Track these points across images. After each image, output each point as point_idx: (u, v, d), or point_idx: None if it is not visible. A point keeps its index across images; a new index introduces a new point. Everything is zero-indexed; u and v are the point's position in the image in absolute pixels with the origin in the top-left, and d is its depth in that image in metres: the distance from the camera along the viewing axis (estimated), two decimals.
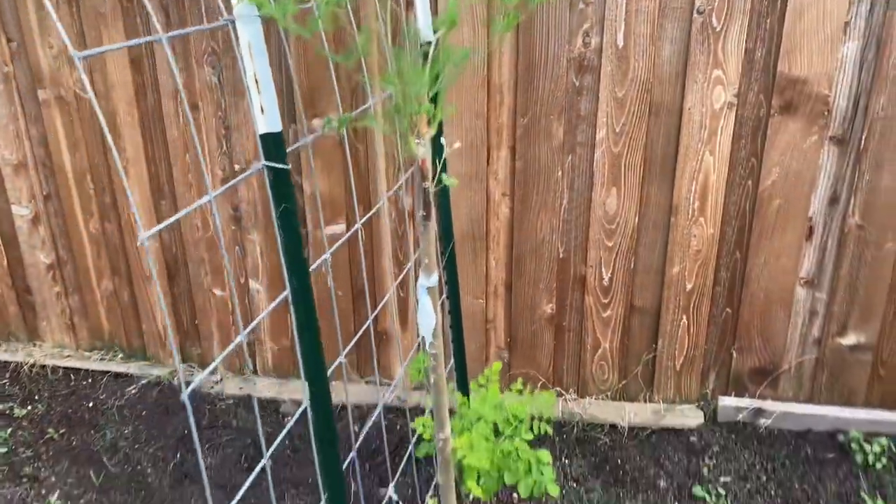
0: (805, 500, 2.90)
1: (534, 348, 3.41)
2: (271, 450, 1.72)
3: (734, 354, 3.28)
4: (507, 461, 2.01)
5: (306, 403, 1.77)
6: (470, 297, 3.36)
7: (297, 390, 3.67)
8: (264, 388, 3.73)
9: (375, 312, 2.21)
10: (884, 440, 3.04)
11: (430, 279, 1.64)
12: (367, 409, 3.52)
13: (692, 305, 3.20)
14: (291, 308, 1.66)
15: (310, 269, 1.63)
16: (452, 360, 2.98)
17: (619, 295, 3.25)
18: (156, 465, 3.27)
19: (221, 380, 3.81)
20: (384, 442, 2.35)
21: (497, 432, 2.09)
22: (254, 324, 3.64)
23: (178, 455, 3.30)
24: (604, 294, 3.25)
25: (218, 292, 3.67)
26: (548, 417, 2.13)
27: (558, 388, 3.47)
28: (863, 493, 2.88)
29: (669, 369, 3.35)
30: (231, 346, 1.51)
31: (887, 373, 3.16)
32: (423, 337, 1.70)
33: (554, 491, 1.97)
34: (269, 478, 1.70)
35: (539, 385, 3.47)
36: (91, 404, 3.69)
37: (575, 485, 3.04)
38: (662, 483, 3.03)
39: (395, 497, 2.33)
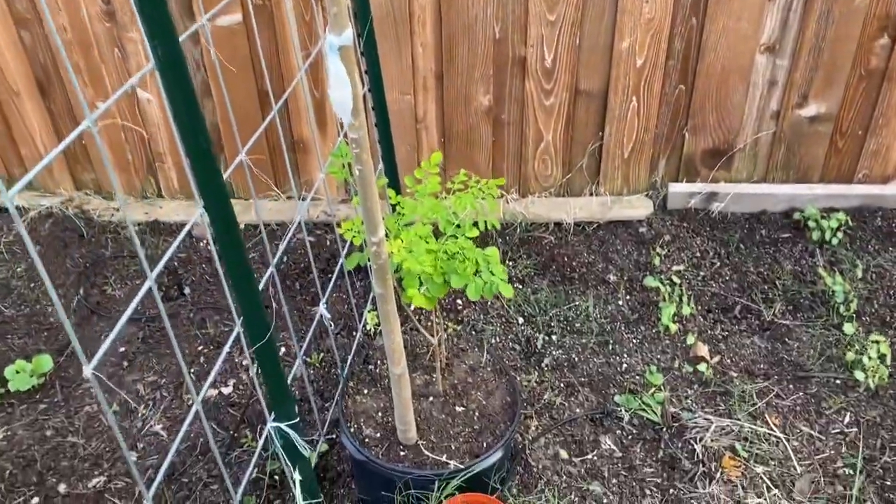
0: (761, 282, 2.77)
1: (471, 147, 3.08)
2: (154, 265, 1.38)
3: (686, 136, 3.02)
4: (452, 263, 1.72)
5: (199, 212, 1.41)
6: (396, 93, 2.95)
7: None
8: (172, 211, 3.33)
9: (278, 105, 1.80)
10: (841, 215, 2.89)
11: (342, 36, 1.24)
12: (288, 228, 3.19)
13: (643, 84, 2.88)
14: (167, 102, 1.25)
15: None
16: (381, 165, 2.63)
17: (563, 78, 2.89)
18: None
19: (120, 207, 3.38)
20: (310, 257, 2.04)
21: (438, 233, 1.79)
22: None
23: (82, 290, 2.94)
24: (546, 78, 2.89)
25: (102, 104, 3.15)
26: (493, 211, 1.83)
27: (499, 189, 3.17)
28: (820, 270, 2.76)
29: (617, 158, 3.08)
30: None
31: (846, 144, 2.97)
32: (338, 118, 1.33)
33: (508, 292, 1.71)
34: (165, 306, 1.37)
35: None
36: None
37: (521, 286, 2.84)
38: (612, 277, 2.85)
39: (326, 315, 2.05)
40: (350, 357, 2.45)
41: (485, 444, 1.94)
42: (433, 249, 1.65)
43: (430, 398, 2.07)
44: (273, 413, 1.75)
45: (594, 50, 2.82)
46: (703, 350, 2.47)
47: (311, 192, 3.28)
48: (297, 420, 1.77)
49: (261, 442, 1.75)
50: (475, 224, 1.83)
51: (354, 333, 2.69)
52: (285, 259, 3.03)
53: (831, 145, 2.97)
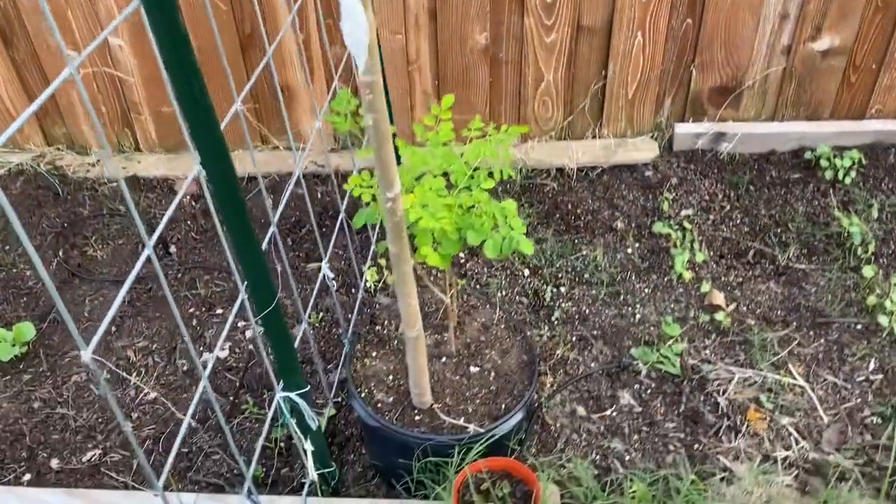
0: (773, 225, 2.67)
1: (467, 89, 2.92)
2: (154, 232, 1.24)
3: (693, 73, 2.88)
4: (468, 218, 1.59)
5: (197, 168, 1.26)
6: (386, 32, 2.77)
7: (191, 166, 3.11)
8: (151, 165, 3.15)
9: (272, 49, 1.64)
10: (854, 153, 2.79)
11: None
12: (279, 181, 3.03)
13: (649, 18, 2.72)
14: (156, 46, 1.09)
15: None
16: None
17: (564, 13, 2.72)
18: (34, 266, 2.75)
19: (99, 161, 3.20)
20: (311, 214, 1.90)
21: (448, 185, 1.66)
22: None
23: (61, 252, 2.78)
24: (547, 14, 2.72)
25: (72, 53, 2.94)
26: (508, 159, 1.69)
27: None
28: (835, 211, 2.67)
29: (621, 98, 2.93)
30: None
31: (859, 79, 2.84)
32: (352, 57, 1.18)
33: (528, 248, 1.59)
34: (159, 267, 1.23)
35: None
36: None
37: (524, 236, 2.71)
38: (620, 224, 2.73)
39: (329, 274, 1.92)
40: (353, 317, 2.33)
41: (503, 406, 1.84)
42: (450, 204, 1.52)
43: (443, 359, 1.96)
44: (281, 382, 1.63)
45: None
46: (718, 298, 2.38)
47: (303, 143, 3.11)
48: (307, 389, 1.66)
49: (270, 413, 1.64)
50: (490, 174, 1.70)
51: (354, 291, 2.57)
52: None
53: (844, 80, 2.85)
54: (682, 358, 2.17)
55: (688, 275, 2.45)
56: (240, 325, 2.49)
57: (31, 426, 2.20)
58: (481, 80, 2.90)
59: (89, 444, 2.14)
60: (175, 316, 1.26)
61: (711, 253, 2.57)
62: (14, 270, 2.74)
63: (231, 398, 2.24)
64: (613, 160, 2.96)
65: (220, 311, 2.53)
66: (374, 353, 1.98)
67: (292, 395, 1.64)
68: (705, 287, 2.42)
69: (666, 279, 2.50)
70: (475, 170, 1.70)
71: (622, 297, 2.45)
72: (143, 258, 1.15)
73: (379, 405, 1.85)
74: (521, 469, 1.73)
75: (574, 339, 2.32)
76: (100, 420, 2.21)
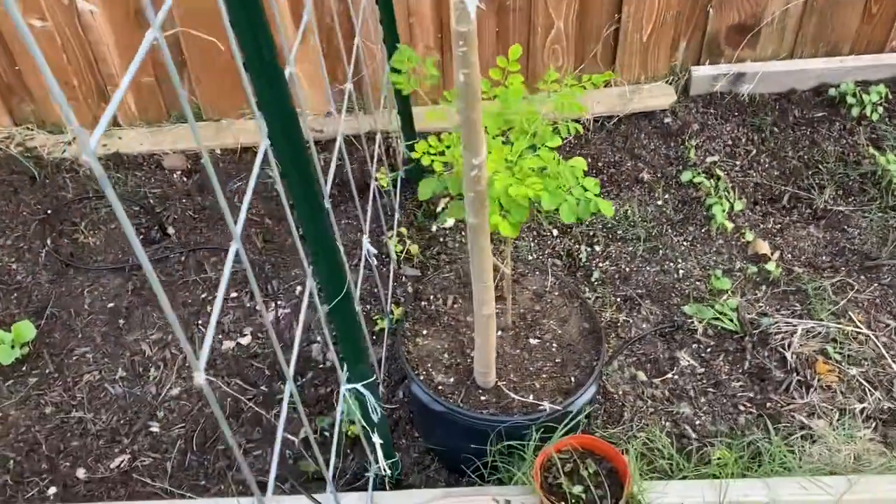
0: (803, 167, 2.58)
1: None
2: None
3: (710, 12, 2.74)
4: (541, 180, 1.45)
5: (265, 143, 1.09)
6: None
7: (178, 138, 2.89)
8: (134, 140, 2.91)
9: None
10: (881, 87, 2.70)
11: None
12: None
13: None
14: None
15: None
16: (387, 67, 2.28)
17: None
18: (21, 258, 2.52)
19: (75, 139, 2.94)
20: (352, 185, 1.72)
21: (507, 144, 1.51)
22: None
23: (49, 241, 2.55)
24: None
25: (37, 23, 2.67)
26: (584, 111, 1.55)
27: (503, 86, 2.86)
28: (867, 149, 2.58)
29: (635, 43, 2.79)
30: None
31: (880, 9, 2.74)
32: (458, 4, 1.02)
33: (608, 209, 1.45)
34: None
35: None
36: None
37: None
38: (646, 175, 2.61)
39: (372, 250, 1.77)
40: (388, 292, 2.18)
41: (572, 379, 1.72)
42: (537, 167, 1.37)
43: (499, 332, 1.82)
44: (346, 372, 1.48)
45: None
46: (763, 247, 2.28)
47: (299, 108, 2.91)
48: (374, 378, 1.51)
49: (339, 407, 1.49)
50: (555, 130, 1.56)
51: (385, 261, 2.41)
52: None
53: (865, 12, 2.75)
54: (739, 313, 2.08)
55: (729, 225, 2.35)
56: (257, 307, 2.31)
57: (45, 434, 2.02)
58: (487, 30, 2.72)
59: (115, 449, 1.97)
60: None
61: (745, 200, 2.47)
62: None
63: (263, 387, 2.08)
64: (630, 108, 2.82)
65: (234, 293, 2.36)
66: (424, 332, 1.84)
67: (359, 385, 1.50)
68: (749, 236, 2.32)
69: (703, 230, 2.40)
70: (534, 127, 1.55)
71: (661, 252, 2.34)
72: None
73: (440, 388, 1.72)
74: (602, 446, 1.62)
75: (619, 299, 2.21)
76: (122, 422, 2.04)
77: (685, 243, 2.37)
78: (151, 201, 2.70)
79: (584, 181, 1.51)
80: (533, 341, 1.81)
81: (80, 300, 2.37)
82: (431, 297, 1.91)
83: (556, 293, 1.91)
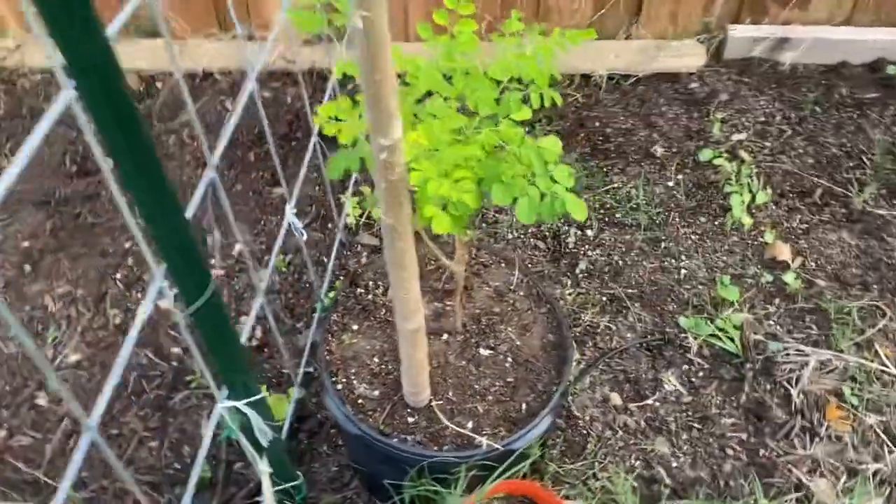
0: (845, 157, 2.18)
1: None
2: None
3: None
4: (494, 164, 1.10)
5: (70, 94, 0.75)
6: None
7: (133, 55, 2.54)
8: None
9: None
10: None
11: None
12: (238, 78, 2.47)
13: None
14: None
15: None
16: None
17: None
18: None
19: (19, 47, 2.60)
20: (266, 131, 1.37)
21: (465, 111, 1.15)
22: None
23: None
24: None
25: None
26: (545, 74, 1.18)
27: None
28: None
29: None
30: None
31: None
32: None
33: (579, 212, 1.10)
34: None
35: (484, 25, 2.45)
36: None
37: None
38: (659, 149, 2.23)
39: (297, 224, 1.43)
40: (330, 263, 1.85)
41: (524, 407, 1.40)
42: (471, 156, 1.02)
43: (445, 336, 1.50)
44: (225, 389, 1.17)
45: None
46: (784, 251, 1.92)
47: (269, 32, 2.53)
48: (260, 396, 1.20)
49: (210, 424, 1.18)
50: (525, 100, 1.20)
51: (331, 227, 2.07)
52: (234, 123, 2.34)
53: None
54: (743, 332, 1.73)
55: (747, 220, 1.98)
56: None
57: None
58: None
59: None
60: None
61: (771, 191, 2.09)
62: None
63: (174, 363, 1.79)
64: (652, 67, 2.42)
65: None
66: (354, 326, 1.51)
67: (239, 404, 1.18)
68: (768, 236, 1.96)
69: (717, 223, 2.03)
70: (502, 92, 1.19)
71: (664, 245, 1.98)
72: None
73: (361, 402, 1.40)
74: (547, 497, 1.30)
75: (604, 299, 1.87)
76: (8, 388, 1.76)
77: (693, 237, 2.01)
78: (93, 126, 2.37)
79: (556, 170, 1.16)
80: (484, 352, 1.48)
81: None
82: (370, 283, 1.58)
83: (522, 293, 1.57)
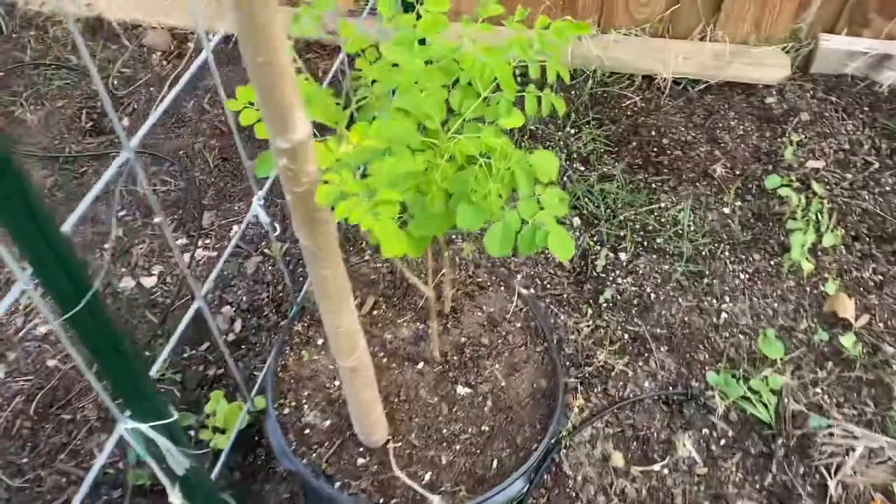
0: None
1: None
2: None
3: None
4: (465, 178, 0.88)
5: None
6: None
7: (169, 11, 2.40)
8: (121, 6, 2.45)
9: None
10: None
11: None
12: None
13: None
14: None
15: None
16: None
17: None
18: None
19: None
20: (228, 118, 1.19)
21: (449, 111, 0.94)
22: None
23: None
24: None
25: None
26: (554, 65, 0.95)
27: (569, 17, 2.22)
28: None
29: None
30: None
31: None
32: None
33: (564, 251, 0.88)
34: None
35: (541, 11, 2.21)
36: None
37: (583, 167, 1.97)
38: (720, 169, 1.96)
39: (265, 218, 1.25)
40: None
41: (494, 463, 1.19)
42: (414, 171, 0.81)
43: (420, 364, 1.30)
44: (127, 410, 1.00)
45: None
46: (847, 306, 1.63)
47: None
48: (171, 420, 1.02)
49: (106, 448, 1.02)
50: (518, 77, 0.97)
51: None
52: None
53: None
54: (781, 399, 1.46)
55: (807, 265, 1.70)
56: (180, 241, 1.86)
57: None
58: None
59: None
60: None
61: (843, 233, 1.79)
62: None
63: (144, 347, 1.64)
64: (725, 74, 2.13)
65: (158, 219, 1.90)
66: (320, 341, 1.33)
67: (144, 427, 1.01)
68: (830, 287, 1.67)
69: (773, 262, 1.75)
70: (494, 88, 0.97)
71: (706, 282, 1.72)
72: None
73: (307, 432, 1.22)
74: None
75: (626, 337, 1.62)
76: None
77: (742, 276, 1.74)
78: (115, 82, 2.25)
79: (545, 193, 0.94)
80: (461, 389, 1.27)
81: None
82: None
83: (519, 324, 1.35)
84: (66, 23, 2.40)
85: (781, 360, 1.54)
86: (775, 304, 1.67)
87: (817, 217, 1.80)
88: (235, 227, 1.88)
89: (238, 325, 1.69)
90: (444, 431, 1.22)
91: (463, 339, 1.33)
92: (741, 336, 1.62)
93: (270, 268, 1.80)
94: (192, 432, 1.49)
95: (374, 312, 1.36)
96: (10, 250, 0.77)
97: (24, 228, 0.76)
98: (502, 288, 1.40)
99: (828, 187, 1.89)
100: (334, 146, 0.76)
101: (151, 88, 2.23)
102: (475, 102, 0.96)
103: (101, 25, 2.40)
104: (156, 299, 1.74)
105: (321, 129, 0.90)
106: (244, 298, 1.74)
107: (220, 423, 1.42)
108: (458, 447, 1.21)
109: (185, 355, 1.63)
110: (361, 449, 1.20)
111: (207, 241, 1.86)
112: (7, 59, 2.30)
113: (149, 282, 1.78)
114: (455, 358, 1.30)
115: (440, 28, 0.83)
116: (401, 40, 0.82)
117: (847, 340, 1.56)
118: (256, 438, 1.49)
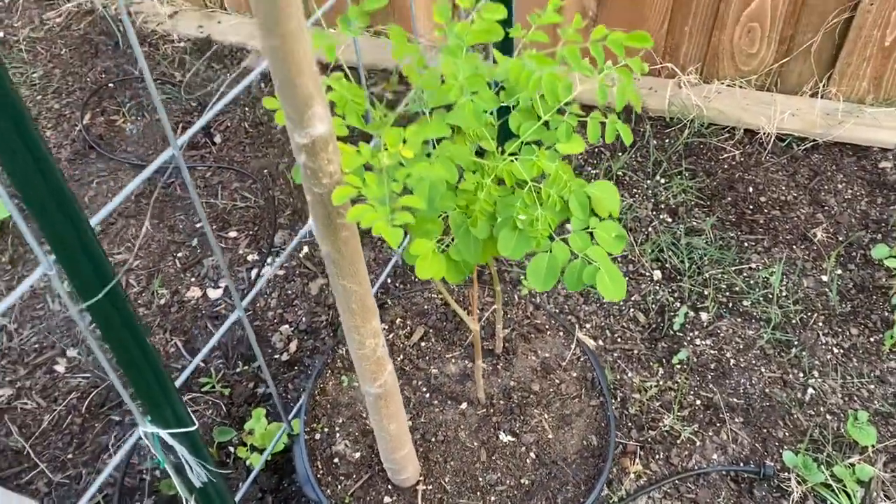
0: None
1: None
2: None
3: None
4: (511, 202, 0.82)
5: None
6: None
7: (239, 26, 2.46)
8: (230, 29, 2.54)
9: None
10: None
11: None
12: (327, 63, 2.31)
13: None
14: None
15: None
16: None
17: None
18: (59, 125, 2.25)
19: (176, 13, 2.62)
20: None
21: (504, 136, 0.88)
22: None
23: (89, 116, 2.26)
24: None
25: None
26: (625, 97, 0.88)
27: (670, 65, 2.13)
28: None
29: (872, 44, 1.93)
30: None
31: None
32: None
33: (615, 292, 0.80)
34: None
35: (640, 56, 2.12)
36: (0, 35, 2.61)
37: (670, 219, 1.86)
38: (821, 233, 1.81)
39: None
40: (375, 288, 1.62)
41: None
42: (438, 178, 0.75)
43: (463, 405, 1.22)
44: (147, 412, 0.97)
45: None
46: None
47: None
48: (191, 430, 0.98)
49: (122, 449, 0.99)
50: (582, 124, 0.91)
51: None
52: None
53: None
54: (868, 491, 1.30)
55: None
56: (249, 257, 1.86)
57: None
58: None
59: (7, 377, 1.62)
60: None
61: None
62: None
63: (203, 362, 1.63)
64: (835, 134, 1.98)
65: (233, 233, 1.91)
66: None
67: (163, 433, 0.98)
68: None
69: (873, 339, 1.58)
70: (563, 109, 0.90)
71: (794, 353, 1.57)
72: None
73: (335, 461, 1.16)
74: None
75: (698, 403, 1.49)
76: (35, 346, 1.68)
77: (836, 350, 1.57)
78: (212, 99, 2.31)
79: (599, 227, 0.86)
80: (504, 437, 1.19)
81: (84, 190, 2.05)
82: (398, 319, 1.33)
83: (575, 373, 1.26)
84: (179, 42, 2.50)
85: (873, 447, 1.37)
86: (871, 386, 1.50)
87: None
88: (306, 248, 1.87)
89: (294, 346, 1.66)
90: (480, 480, 1.14)
91: (512, 383, 1.24)
92: (829, 416, 1.46)
93: (328, 291, 1.77)
94: (230, 448, 1.46)
95: (423, 344, 1.29)
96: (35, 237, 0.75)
97: (49, 214, 0.75)
98: (561, 333, 1.31)
99: None
100: (365, 150, 0.71)
101: (245, 109, 2.28)
102: (535, 124, 0.89)
103: (208, 46, 2.49)
104: (219, 311, 1.74)
105: (368, 139, 0.86)
106: (303, 319, 1.71)
107: (258, 441, 1.38)
108: (492, 498, 1.12)
109: (238, 370, 1.61)
110: (390, 487, 1.13)
111: (277, 259, 1.85)
112: (118, 72, 2.41)
113: (214, 294, 1.79)
114: (501, 402, 1.22)
115: (493, 37, 0.77)
116: (451, 49, 0.77)
117: None
118: (293, 463, 1.44)
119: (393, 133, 0.73)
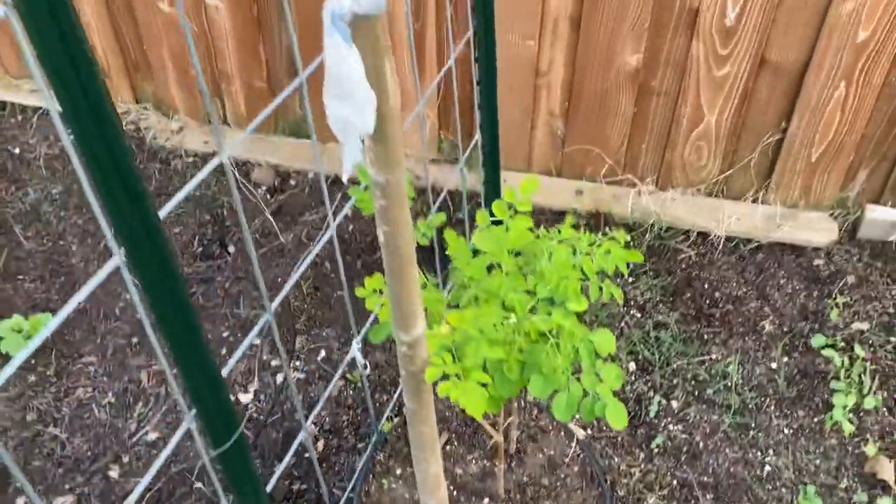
0: None
1: (603, 117, 2.35)
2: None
3: None
4: (537, 351, 1.08)
5: None
6: (514, 36, 2.25)
7: (275, 150, 2.74)
8: (235, 144, 2.79)
9: None
10: None
11: None
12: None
13: (860, 67, 2.05)
14: None
15: None
16: (477, 135, 1.96)
17: (745, 43, 2.09)
18: (84, 241, 2.46)
19: (182, 129, 2.88)
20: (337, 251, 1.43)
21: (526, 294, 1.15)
22: None
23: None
24: (723, 41, 2.10)
25: (164, 7, 2.61)
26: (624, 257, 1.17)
27: (630, 175, 2.46)
28: None
29: (801, 160, 2.28)
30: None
31: None
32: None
33: (619, 420, 1.06)
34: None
35: (603, 171, 2.45)
36: (16, 150, 2.83)
37: (639, 314, 2.15)
38: (768, 325, 2.11)
39: (360, 360, 1.47)
40: (396, 398, 1.87)
41: None
42: (494, 358, 1.01)
43: (486, 500, 1.47)
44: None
45: (800, 9, 2.01)
46: (886, 469, 1.74)
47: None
48: None
49: None
50: (584, 290, 1.18)
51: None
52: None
53: None
54: None
55: (848, 427, 1.82)
56: (272, 362, 2.09)
57: (16, 443, 1.90)
58: (623, 108, 2.32)
59: (66, 485, 1.82)
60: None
61: (885, 395, 1.92)
62: (61, 243, 2.46)
63: None
64: (775, 236, 2.31)
65: (257, 341, 2.14)
66: (398, 471, 1.51)
67: None
68: (871, 449, 1.78)
69: (816, 420, 1.88)
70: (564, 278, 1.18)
71: (751, 434, 1.86)
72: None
73: None
74: None
75: (675, 482, 1.76)
76: (89, 453, 1.88)
77: (787, 431, 1.87)
78: (224, 212, 2.56)
79: (604, 369, 1.13)
80: None
81: (114, 302, 2.26)
82: None
83: (577, 468, 1.52)
84: (188, 157, 2.75)
85: None
86: (817, 461, 1.79)
87: (860, 378, 1.93)
88: (323, 352, 2.11)
89: (321, 445, 1.89)
90: None
91: (525, 479, 1.49)
92: (783, 489, 1.74)
93: (351, 392, 2.01)
94: None
95: (447, 448, 1.54)
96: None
97: (120, 206, 0.86)
98: (562, 433, 1.57)
99: (871, 349, 2.03)
100: (438, 331, 0.98)
101: (256, 220, 2.53)
102: (548, 286, 1.17)
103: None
104: (251, 415, 1.96)
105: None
106: (327, 420, 1.94)
107: None
108: None
109: (275, 468, 1.83)
110: None
111: (297, 363, 2.09)
112: None
113: (245, 398, 2.01)
114: (518, 496, 1.47)
115: (525, 242, 1.05)
116: (492, 253, 1.05)
117: (885, 503, 1.67)
118: None
119: (455, 316, 1.00)
